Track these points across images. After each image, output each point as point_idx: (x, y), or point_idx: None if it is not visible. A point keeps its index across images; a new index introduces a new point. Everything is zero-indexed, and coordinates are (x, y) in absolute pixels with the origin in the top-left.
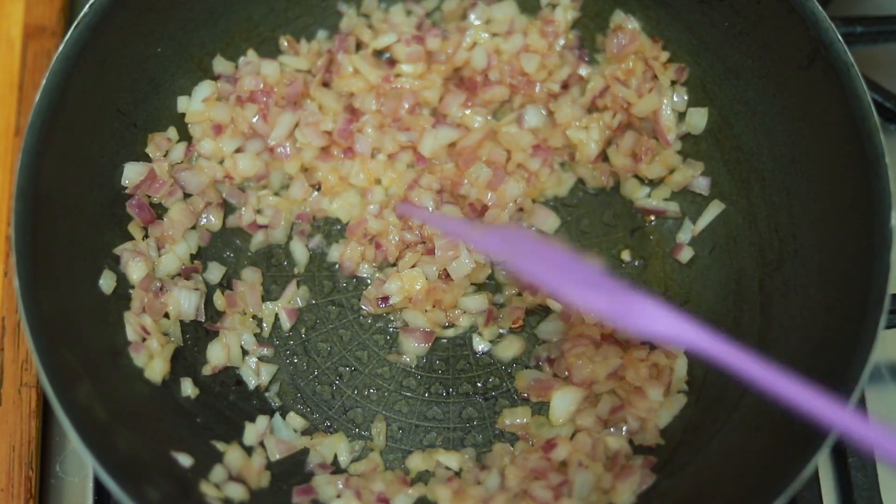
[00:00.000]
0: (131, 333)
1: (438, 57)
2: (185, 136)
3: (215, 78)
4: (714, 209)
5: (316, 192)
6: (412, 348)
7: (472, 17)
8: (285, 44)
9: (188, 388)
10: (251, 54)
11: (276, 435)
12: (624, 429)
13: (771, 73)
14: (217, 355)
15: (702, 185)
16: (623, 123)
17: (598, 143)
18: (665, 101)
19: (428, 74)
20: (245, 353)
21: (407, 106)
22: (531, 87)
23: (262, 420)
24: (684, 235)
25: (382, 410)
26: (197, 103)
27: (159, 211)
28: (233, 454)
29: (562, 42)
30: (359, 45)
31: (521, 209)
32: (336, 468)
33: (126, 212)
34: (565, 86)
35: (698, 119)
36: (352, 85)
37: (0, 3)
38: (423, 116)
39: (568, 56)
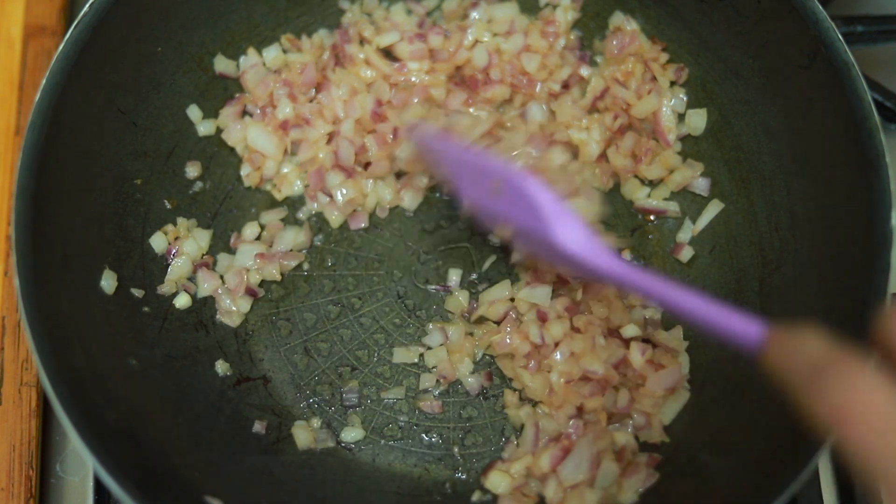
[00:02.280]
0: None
1: (441, 55)
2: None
3: (216, 77)
4: (714, 208)
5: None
6: None
7: (473, 15)
8: (287, 43)
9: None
10: (251, 53)
11: None
12: (630, 424)
13: (771, 72)
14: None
15: (701, 185)
16: (623, 126)
17: (598, 143)
18: (664, 102)
19: (433, 72)
20: None
21: (416, 101)
22: (532, 87)
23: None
24: (684, 235)
25: (382, 410)
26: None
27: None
28: None
29: (562, 42)
30: (361, 43)
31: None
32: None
33: (126, 210)
34: (566, 86)
35: (698, 120)
36: (364, 75)
37: (0, 2)
38: (434, 111)
39: (569, 56)
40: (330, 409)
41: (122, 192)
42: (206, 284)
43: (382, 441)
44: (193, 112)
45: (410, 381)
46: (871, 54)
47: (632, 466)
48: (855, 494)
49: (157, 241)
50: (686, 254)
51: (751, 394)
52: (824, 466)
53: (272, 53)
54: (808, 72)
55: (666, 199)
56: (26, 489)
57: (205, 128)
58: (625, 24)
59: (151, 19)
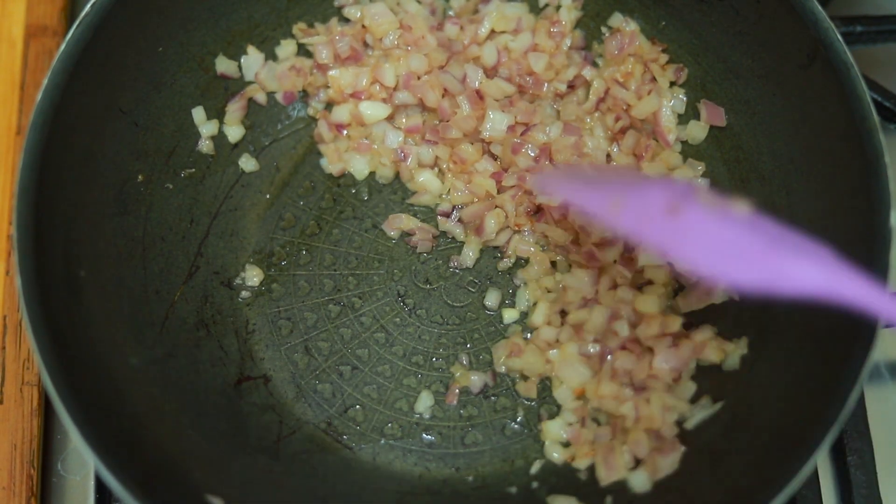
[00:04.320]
0: None
1: (455, 46)
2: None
3: (217, 77)
4: None
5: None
6: None
7: (483, 10)
8: (300, 34)
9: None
10: (252, 51)
11: None
12: None
13: (771, 72)
14: None
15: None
16: (625, 127)
17: (602, 141)
18: (664, 102)
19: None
20: None
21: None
22: (539, 87)
23: None
24: None
25: (382, 408)
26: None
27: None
28: None
29: (568, 42)
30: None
31: None
32: None
33: (127, 210)
34: (572, 86)
35: (698, 132)
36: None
37: (1, 2)
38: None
39: (574, 57)
40: (330, 408)
41: (123, 192)
42: None
43: (382, 440)
44: (198, 114)
45: (410, 381)
46: (870, 54)
47: (670, 445)
48: (854, 493)
49: None
50: None
51: (750, 394)
52: (824, 465)
53: (288, 49)
54: (807, 72)
55: None
56: (28, 488)
57: (207, 129)
58: (624, 26)
59: (152, 19)
